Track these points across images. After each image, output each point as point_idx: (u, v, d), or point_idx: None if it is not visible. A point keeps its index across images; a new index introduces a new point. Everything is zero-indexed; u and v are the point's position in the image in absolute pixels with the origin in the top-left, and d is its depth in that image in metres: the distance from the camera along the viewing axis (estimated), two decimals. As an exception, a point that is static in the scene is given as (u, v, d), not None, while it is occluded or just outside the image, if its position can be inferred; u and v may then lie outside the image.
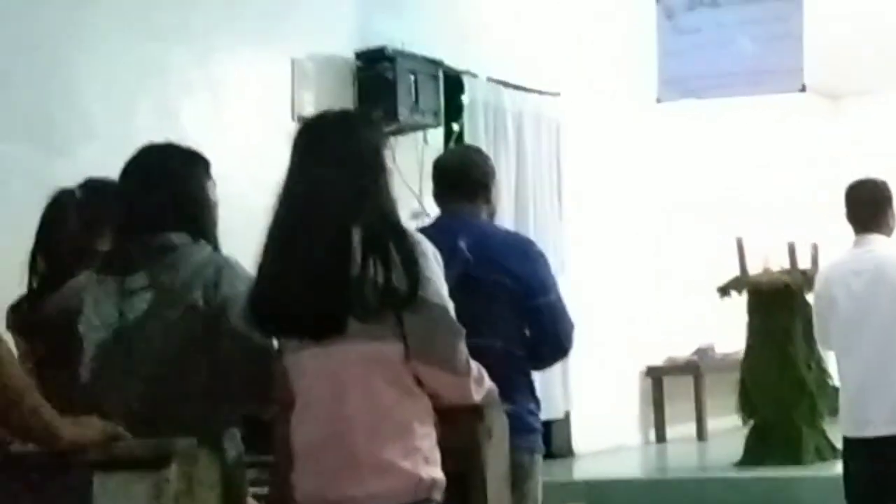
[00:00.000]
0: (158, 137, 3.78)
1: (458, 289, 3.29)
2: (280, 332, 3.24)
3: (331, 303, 3.08)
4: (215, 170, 3.65)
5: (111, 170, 3.61)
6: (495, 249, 4.10)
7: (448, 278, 3.22)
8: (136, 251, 3.45)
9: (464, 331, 3.18)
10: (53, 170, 5.67)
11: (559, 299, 4.15)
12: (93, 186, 4.10)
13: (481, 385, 3.28)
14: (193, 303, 3.34)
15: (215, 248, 3.55)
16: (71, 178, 5.74)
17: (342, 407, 3.12)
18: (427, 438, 3.15)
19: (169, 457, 2.85)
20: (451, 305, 3.16)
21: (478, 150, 4.97)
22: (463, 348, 3.18)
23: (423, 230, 4.05)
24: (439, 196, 4.32)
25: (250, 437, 3.49)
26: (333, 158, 3.20)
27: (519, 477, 3.87)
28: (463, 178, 4.28)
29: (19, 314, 3.99)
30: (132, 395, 3.28)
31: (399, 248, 3.09)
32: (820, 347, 6.43)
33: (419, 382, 3.15)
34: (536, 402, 4.15)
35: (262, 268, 3.21)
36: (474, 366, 3.24)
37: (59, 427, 2.49)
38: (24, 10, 5.89)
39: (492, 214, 4.35)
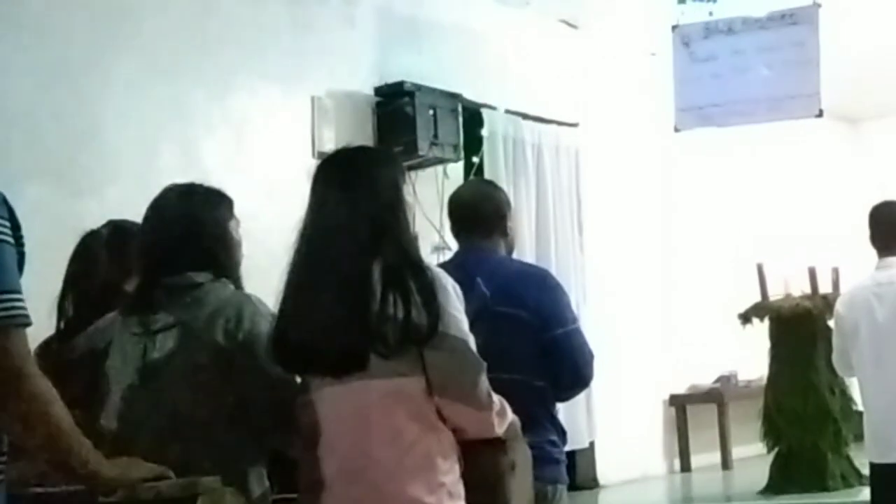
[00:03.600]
0: (181, 177, 3.81)
1: (476, 323, 3.29)
2: (302, 369, 3.24)
3: (352, 340, 3.08)
4: (237, 207, 3.67)
5: (136, 210, 3.63)
6: (512, 283, 4.07)
7: (467, 313, 3.23)
8: (160, 291, 3.47)
9: (485, 364, 3.17)
10: (78, 210, 5.72)
11: (577, 330, 4.12)
12: (120, 227, 4.14)
13: (504, 418, 3.26)
14: (216, 341, 3.34)
15: (238, 286, 3.56)
16: (96, 218, 5.79)
17: (365, 443, 3.12)
18: (451, 473, 3.15)
19: (195, 495, 2.84)
20: (471, 339, 3.15)
21: (491, 183, 4.94)
22: (485, 382, 3.17)
23: (441, 266, 4.09)
24: (456, 231, 4.32)
25: (275, 475, 3.48)
26: (352, 194, 3.21)
27: (543, 509, 3.88)
28: (477, 212, 4.26)
29: (48, 356, 4.01)
30: (158, 435, 3.28)
31: (418, 284, 3.09)
32: (838, 372, 6.40)
33: (442, 417, 3.15)
34: (559, 433, 4.12)
35: (283, 305, 3.21)
36: (496, 399, 3.23)
37: (101, 467, 2.51)
38: (49, 54, 5.96)
39: (510, 247, 4.34)
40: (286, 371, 3.30)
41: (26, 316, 2.34)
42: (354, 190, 3.23)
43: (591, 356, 4.12)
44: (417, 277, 3.11)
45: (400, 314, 3.05)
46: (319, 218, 3.23)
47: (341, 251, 3.14)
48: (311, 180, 3.32)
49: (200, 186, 3.67)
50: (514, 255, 4.55)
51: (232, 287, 3.51)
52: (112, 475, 2.56)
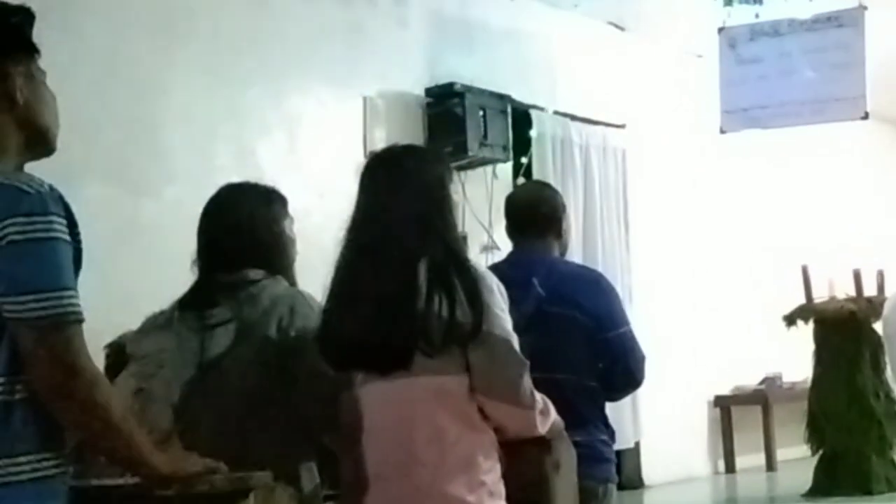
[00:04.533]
0: (237, 176, 3.87)
1: (532, 324, 3.33)
2: (346, 364, 3.24)
3: (396, 337, 3.09)
4: (291, 206, 3.71)
5: (192, 209, 3.66)
6: (567, 284, 4.09)
7: (522, 314, 3.25)
8: (216, 287, 3.52)
9: (527, 363, 3.16)
10: (137, 210, 5.83)
11: (630, 332, 4.15)
12: None
13: (547, 417, 3.26)
14: (270, 336, 3.37)
15: (292, 283, 3.59)
16: (153, 217, 5.93)
17: (407, 441, 3.12)
18: (492, 472, 3.15)
19: (247, 490, 2.83)
20: (514, 339, 3.15)
21: (548, 186, 4.97)
22: (527, 380, 3.16)
23: (495, 266, 4.13)
24: (511, 232, 4.36)
25: (326, 471, 3.50)
26: (400, 192, 3.23)
27: (592, 506, 3.92)
28: (533, 213, 4.29)
29: (114, 352, 4.08)
30: (213, 429, 3.30)
31: (463, 282, 3.10)
32: (893, 375, 6.37)
33: (484, 416, 3.15)
34: (610, 432, 4.13)
35: (330, 302, 3.23)
36: (539, 398, 3.22)
37: (158, 460, 2.54)
38: (106, 56, 6.05)
39: (564, 249, 4.37)
40: (332, 367, 3.29)
41: (80, 312, 2.37)
42: (402, 188, 3.25)
43: (643, 358, 4.14)
44: (463, 276, 3.12)
45: (445, 312, 3.06)
46: (367, 216, 3.25)
47: (388, 249, 3.16)
48: (358, 178, 3.35)
49: (255, 185, 3.71)
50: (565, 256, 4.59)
51: (285, 284, 3.53)
52: (168, 469, 2.56)
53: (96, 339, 4.09)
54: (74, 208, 2.44)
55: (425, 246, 3.15)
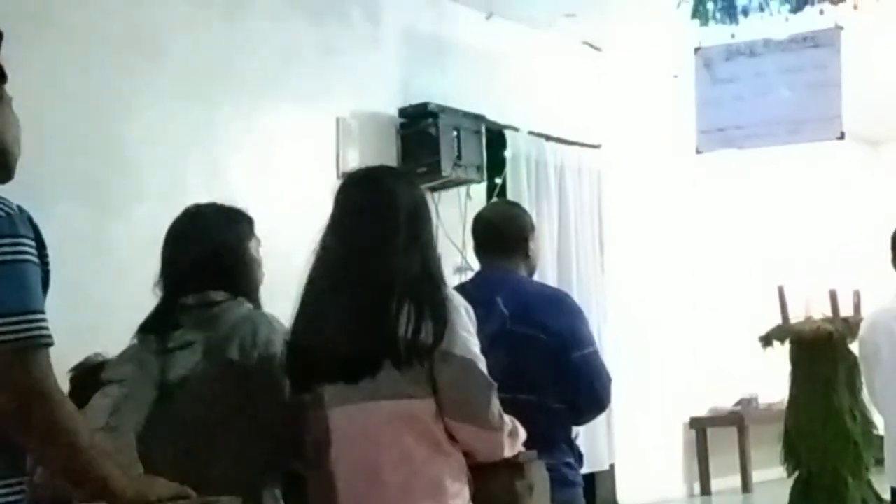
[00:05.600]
0: (207, 196, 3.84)
1: (495, 344, 3.31)
2: (312, 376, 3.24)
3: (364, 343, 3.11)
4: (262, 227, 3.70)
5: (162, 228, 3.65)
6: (531, 304, 4.07)
7: (486, 334, 3.24)
8: (177, 310, 3.50)
9: (495, 385, 3.16)
10: (107, 230, 5.77)
11: (596, 353, 4.11)
12: None
13: (515, 439, 3.27)
14: (231, 359, 3.37)
15: (257, 305, 3.58)
16: (123, 236, 5.87)
17: (374, 464, 3.13)
18: (459, 497, 3.16)
19: None
20: (482, 361, 3.16)
21: (516, 205, 4.95)
22: (495, 402, 3.16)
23: (461, 286, 4.10)
24: (478, 251, 4.34)
25: (291, 496, 3.48)
26: (377, 210, 3.25)
27: (559, 531, 3.88)
28: (500, 233, 4.26)
29: (79, 375, 4.03)
30: (176, 453, 3.29)
31: (432, 299, 3.13)
32: (869, 396, 6.36)
33: (452, 439, 3.16)
34: (576, 455, 4.11)
35: (300, 313, 3.25)
36: (508, 420, 3.23)
37: (125, 485, 2.51)
38: (77, 76, 6.01)
39: (531, 269, 4.34)
40: (298, 383, 3.30)
41: (49, 336, 2.35)
42: (379, 205, 3.27)
43: (609, 380, 4.10)
44: (433, 294, 3.14)
45: (412, 326, 3.08)
46: (341, 232, 3.27)
47: (363, 266, 3.18)
48: (334, 196, 3.36)
49: (220, 206, 3.69)
50: (536, 276, 4.55)
51: (249, 306, 3.52)
52: (135, 494, 2.53)
53: (62, 360, 4.04)
54: (43, 229, 2.42)
55: (402, 261, 3.16)
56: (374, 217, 3.24)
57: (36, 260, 2.37)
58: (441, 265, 3.30)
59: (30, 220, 2.39)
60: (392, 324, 3.09)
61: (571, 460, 4.08)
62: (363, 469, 3.15)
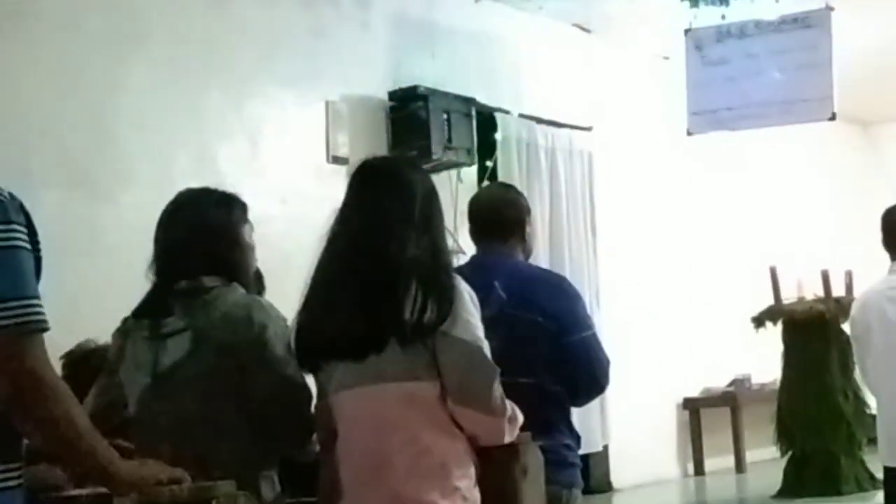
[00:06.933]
0: (197, 181, 3.84)
1: (493, 328, 3.31)
2: (321, 353, 3.27)
3: (372, 321, 3.14)
4: (252, 212, 3.68)
5: (151, 214, 3.65)
6: (529, 288, 4.07)
7: (484, 318, 3.25)
8: (170, 295, 3.50)
9: (498, 370, 3.18)
10: (96, 215, 5.76)
11: (594, 336, 4.10)
12: None
13: (514, 425, 3.27)
14: (225, 344, 3.37)
15: (249, 290, 3.58)
16: (112, 224, 5.86)
17: (382, 447, 3.14)
18: (465, 478, 3.17)
19: (209, 499, 2.80)
20: (486, 345, 3.18)
21: (511, 188, 4.94)
22: (497, 387, 3.18)
23: (458, 269, 4.10)
24: (475, 235, 4.34)
25: (288, 479, 3.51)
26: (390, 196, 3.29)
27: (557, 511, 3.89)
28: (496, 216, 4.27)
29: (72, 361, 4.03)
30: (172, 438, 3.29)
31: (440, 283, 3.16)
32: (861, 376, 6.36)
33: (457, 424, 3.17)
34: (574, 437, 4.12)
35: (309, 295, 3.27)
36: (509, 405, 3.24)
37: (120, 468, 2.52)
38: (64, 62, 5.98)
39: (528, 252, 4.34)
40: (306, 363, 3.32)
41: (44, 321, 2.36)
42: (396, 192, 3.30)
43: (608, 362, 4.11)
44: (441, 278, 3.18)
45: (418, 306, 3.11)
46: (354, 217, 3.29)
47: (376, 246, 3.21)
48: (348, 184, 3.38)
49: (213, 191, 3.68)
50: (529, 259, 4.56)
51: (242, 291, 3.52)
52: (130, 478, 2.55)
53: (54, 347, 4.03)
54: (33, 216, 2.43)
55: (415, 247, 3.20)
56: (391, 203, 3.27)
57: (28, 246, 2.38)
58: (449, 253, 3.32)
59: (21, 206, 2.40)
60: (400, 303, 3.12)
61: (570, 442, 4.08)
62: (370, 452, 3.16)
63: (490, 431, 3.22)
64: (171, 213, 3.61)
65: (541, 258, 8.36)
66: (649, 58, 10.33)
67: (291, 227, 5.28)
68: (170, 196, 3.66)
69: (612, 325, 8.69)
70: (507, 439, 3.27)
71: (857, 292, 6.69)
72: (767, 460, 9.74)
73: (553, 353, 4.00)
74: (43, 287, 2.42)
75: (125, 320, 3.59)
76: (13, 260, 2.34)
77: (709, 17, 8.90)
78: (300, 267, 3.33)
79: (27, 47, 5.64)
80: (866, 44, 10.13)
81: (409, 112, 7.87)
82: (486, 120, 8.58)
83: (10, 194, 2.39)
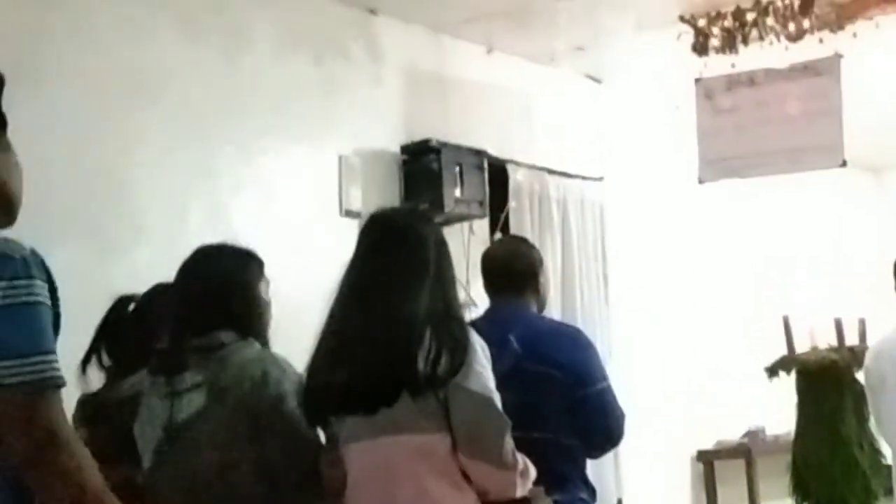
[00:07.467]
0: (210, 237, 3.85)
1: (508, 382, 3.32)
2: (331, 408, 3.27)
3: (385, 372, 3.15)
4: (266, 266, 3.71)
5: (164, 270, 3.66)
6: (544, 341, 4.09)
7: (499, 372, 3.25)
8: (186, 351, 3.51)
9: (510, 423, 3.19)
10: (108, 272, 5.75)
11: (609, 389, 4.12)
12: (156, 290, 4.16)
13: (526, 479, 3.28)
14: (240, 400, 3.39)
15: (266, 346, 3.59)
16: (125, 280, 5.85)
17: (391, 500, 3.16)
18: None
19: None
20: (497, 397, 3.18)
21: (524, 241, 4.98)
22: (509, 440, 3.19)
23: (472, 323, 4.11)
24: (488, 289, 4.36)
25: None
26: (405, 250, 3.33)
27: (572, 566, 3.88)
28: (510, 270, 4.29)
29: (87, 407, 4.03)
30: (185, 495, 3.31)
31: (453, 335, 3.18)
32: (876, 426, 6.33)
33: (467, 477, 3.17)
34: (590, 491, 4.12)
35: (320, 346, 3.31)
36: (520, 459, 3.25)
37: None
38: (78, 119, 6.00)
39: (542, 305, 4.35)
40: (315, 417, 3.34)
41: (60, 377, 2.38)
42: (408, 244, 3.34)
43: (623, 415, 4.12)
44: (454, 330, 3.20)
45: (431, 357, 3.13)
46: (365, 270, 3.33)
47: (388, 299, 3.23)
48: (358, 236, 3.40)
49: (230, 247, 3.71)
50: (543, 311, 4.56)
51: (258, 346, 3.54)
52: None
53: (68, 402, 4.04)
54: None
55: (426, 297, 3.24)
56: (402, 256, 3.30)
57: (48, 302, 2.41)
58: (461, 305, 3.33)
59: (42, 263, 2.43)
60: (413, 355, 3.13)
61: (586, 496, 4.09)
62: (381, 502, 3.17)
63: (500, 484, 3.22)
64: (188, 268, 3.65)
65: (553, 310, 8.34)
66: (660, 107, 10.34)
67: (304, 281, 5.26)
68: (183, 252, 3.68)
69: (625, 375, 8.65)
70: (519, 493, 3.27)
71: (871, 341, 6.67)
72: (783, 512, 9.66)
73: (568, 407, 4.00)
74: (56, 344, 2.43)
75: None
76: (34, 316, 2.36)
77: (719, 65, 8.91)
78: (312, 320, 3.33)
79: (42, 104, 5.66)
80: (877, 89, 10.13)
81: (421, 165, 7.88)
82: (498, 172, 8.58)
83: (33, 250, 2.43)
